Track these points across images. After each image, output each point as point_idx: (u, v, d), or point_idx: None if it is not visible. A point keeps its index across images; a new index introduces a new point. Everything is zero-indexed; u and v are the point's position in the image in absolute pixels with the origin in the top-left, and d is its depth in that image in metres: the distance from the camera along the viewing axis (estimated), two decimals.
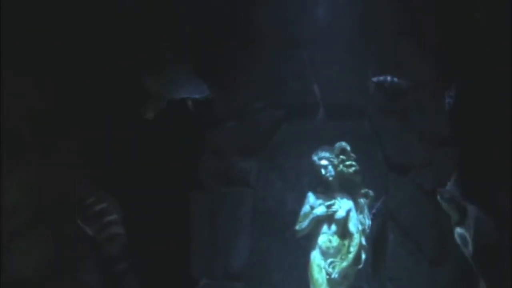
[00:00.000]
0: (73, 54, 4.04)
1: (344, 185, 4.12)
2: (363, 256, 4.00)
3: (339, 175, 4.09)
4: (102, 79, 4.27)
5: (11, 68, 3.81)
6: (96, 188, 3.94)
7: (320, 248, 4.03)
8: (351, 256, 3.96)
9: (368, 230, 4.05)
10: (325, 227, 4.06)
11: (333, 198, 4.09)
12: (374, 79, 4.34)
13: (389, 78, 4.30)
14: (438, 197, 3.81)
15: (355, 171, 4.08)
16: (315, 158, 4.13)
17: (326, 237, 4.04)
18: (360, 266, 4.00)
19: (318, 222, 4.06)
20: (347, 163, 4.08)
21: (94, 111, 4.25)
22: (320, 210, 4.06)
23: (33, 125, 3.97)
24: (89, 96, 4.19)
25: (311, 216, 4.07)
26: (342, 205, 4.07)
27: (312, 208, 4.09)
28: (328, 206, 4.06)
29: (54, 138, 4.06)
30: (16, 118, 3.87)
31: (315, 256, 4.03)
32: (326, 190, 4.12)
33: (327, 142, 4.22)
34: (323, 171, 4.09)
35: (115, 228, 3.83)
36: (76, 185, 4.02)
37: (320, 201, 4.09)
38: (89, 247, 3.85)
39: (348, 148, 4.08)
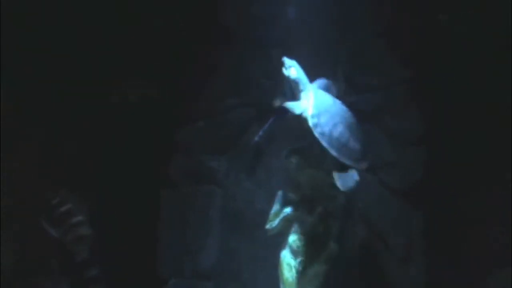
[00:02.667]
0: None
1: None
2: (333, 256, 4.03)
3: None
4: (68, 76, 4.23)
5: None
6: (61, 188, 3.87)
7: (290, 247, 4.05)
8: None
9: (337, 230, 4.08)
10: (295, 227, 4.07)
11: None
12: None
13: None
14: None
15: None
16: (284, 156, 4.13)
17: (296, 236, 4.05)
18: (330, 265, 4.02)
19: (288, 222, 4.08)
20: None
21: (58, 108, 4.19)
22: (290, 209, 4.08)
23: None
24: (55, 92, 4.14)
25: (281, 215, 4.08)
26: None
27: (283, 207, 4.10)
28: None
29: (17, 138, 4.00)
30: None
31: (285, 255, 4.04)
32: (296, 189, 4.14)
33: (297, 142, 4.22)
34: (294, 170, 4.10)
35: (82, 229, 3.74)
36: (40, 185, 3.96)
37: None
38: (55, 250, 3.79)
39: None
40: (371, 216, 4.52)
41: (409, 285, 4.41)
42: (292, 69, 3.86)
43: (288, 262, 4.02)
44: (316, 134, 3.78)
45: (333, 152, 3.78)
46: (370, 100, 4.61)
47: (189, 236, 4.68)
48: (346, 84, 4.66)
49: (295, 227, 4.07)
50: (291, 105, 3.84)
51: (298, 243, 4.04)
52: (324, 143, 3.78)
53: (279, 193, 4.16)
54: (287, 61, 3.87)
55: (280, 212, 4.10)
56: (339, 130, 3.84)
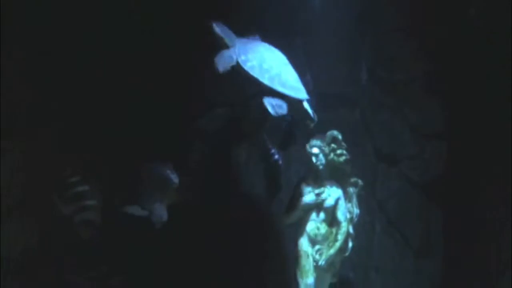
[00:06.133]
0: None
1: (334, 174, 4.14)
2: (350, 244, 4.04)
3: (330, 163, 4.11)
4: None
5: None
6: (82, 169, 3.89)
7: (308, 235, 4.06)
8: (338, 244, 3.99)
9: (356, 219, 4.09)
10: (313, 215, 4.08)
11: (323, 186, 4.11)
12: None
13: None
14: None
15: (345, 160, 4.10)
16: (306, 146, 4.15)
17: (314, 225, 4.07)
18: (347, 254, 4.04)
19: (307, 210, 4.09)
20: (338, 152, 4.10)
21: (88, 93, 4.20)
22: (309, 197, 4.09)
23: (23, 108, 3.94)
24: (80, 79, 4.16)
25: (300, 204, 4.11)
26: (331, 194, 4.09)
27: (302, 195, 4.13)
28: (318, 194, 4.08)
29: (43, 121, 4.03)
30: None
31: (303, 243, 4.06)
32: (316, 178, 4.15)
33: (318, 131, 4.23)
34: (314, 160, 4.12)
35: (91, 214, 3.73)
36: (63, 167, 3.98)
37: (309, 189, 4.12)
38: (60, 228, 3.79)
39: (340, 137, 4.11)
40: (390, 208, 4.52)
41: (425, 277, 4.42)
42: (215, 27, 3.89)
43: (306, 250, 4.03)
44: (247, 68, 3.78)
45: (266, 82, 3.78)
46: (392, 93, 4.61)
47: None
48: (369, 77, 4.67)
49: (313, 216, 4.09)
50: (220, 56, 3.83)
51: (315, 231, 4.06)
52: (255, 75, 3.78)
53: (298, 181, 4.17)
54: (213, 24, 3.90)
55: (298, 201, 4.11)
56: (268, 64, 3.84)
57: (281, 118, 3.93)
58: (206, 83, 4.27)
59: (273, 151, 4.25)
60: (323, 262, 3.96)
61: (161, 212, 3.96)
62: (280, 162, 4.23)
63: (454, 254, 4.45)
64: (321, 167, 4.11)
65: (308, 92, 4.21)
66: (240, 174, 4.71)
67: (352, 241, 4.05)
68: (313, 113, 3.94)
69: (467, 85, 4.39)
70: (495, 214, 4.39)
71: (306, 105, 3.93)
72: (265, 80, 3.79)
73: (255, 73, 3.80)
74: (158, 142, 4.17)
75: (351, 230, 4.05)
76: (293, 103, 3.87)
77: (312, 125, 3.97)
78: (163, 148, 4.23)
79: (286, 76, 3.88)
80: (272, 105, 3.79)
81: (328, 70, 4.63)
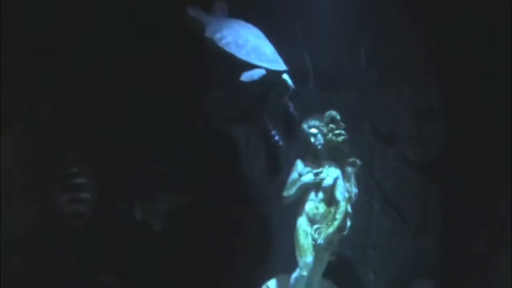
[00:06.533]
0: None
1: (332, 154, 4.17)
2: (348, 223, 4.06)
3: (328, 143, 4.14)
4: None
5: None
6: (82, 162, 3.90)
7: (307, 214, 4.10)
8: (336, 223, 4.02)
9: (354, 198, 4.12)
10: (312, 194, 4.11)
11: (321, 166, 4.14)
12: None
13: None
14: None
15: (343, 140, 4.13)
16: (305, 126, 4.17)
17: (313, 204, 4.10)
18: (345, 233, 4.07)
19: (306, 189, 4.12)
20: (336, 132, 4.12)
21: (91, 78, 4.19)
22: (308, 177, 4.11)
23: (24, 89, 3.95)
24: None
25: (299, 183, 4.12)
26: (330, 173, 4.11)
27: (300, 175, 4.14)
28: (316, 174, 4.11)
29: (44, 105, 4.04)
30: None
31: (302, 222, 4.09)
32: (314, 158, 4.18)
33: (316, 112, 4.26)
34: (312, 139, 4.15)
35: (83, 207, 3.78)
36: (65, 152, 3.98)
37: (308, 168, 4.14)
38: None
39: (338, 117, 4.13)
40: (388, 187, 4.56)
41: (423, 256, 4.46)
42: (190, 10, 3.94)
43: (304, 229, 4.07)
44: (222, 45, 3.82)
45: (243, 57, 3.82)
46: (390, 73, 4.62)
47: None
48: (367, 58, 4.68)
49: (311, 195, 4.12)
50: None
51: (314, 211, 4.09)
52: (231, 51, 3.81)
53: (297, 161, 4.20)
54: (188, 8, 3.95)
55: (297, 181, 4.14)
56: (244, 39, 3.87)
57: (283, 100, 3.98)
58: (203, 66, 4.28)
59: (273, 132, 4.26)
60: (322, 241, 3.99)
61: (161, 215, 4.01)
62: (281, 143, 4.24)
63: (451, 232, 4.49)
64: (319, 147, 4.14)
65: (308, 72, 4.23)
66: (239, 155, 4.75)
67: (351, 220, 4.08)
68: (293, 84, 3.95)
69: (466, 64, 4.40)
70: (493, 193, 4.42)
71: (285, 76, 3.95)
72: (242, 55, 3.82)
73: (231, 49, 3.82)
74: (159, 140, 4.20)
75: (349, 209, 4.07)
76: (273, 76, 3.88)
77: (289, 92, 3.97)
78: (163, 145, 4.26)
79: (262, 49, 3.91)
80: (246, 74, 3.83)
81: (326, 50, 4.64)
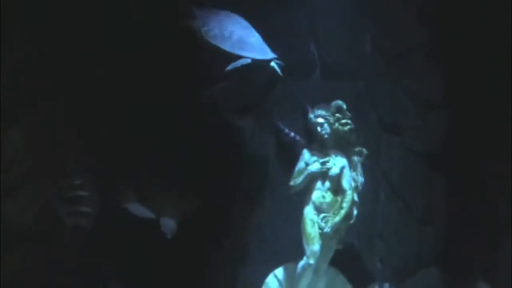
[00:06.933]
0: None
1: (338, 143, 4.20)
2: (355, 212, 4.10)
3: (334, 133, 4.18)
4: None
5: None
6: (85, 173, 3.88)
7: (314, 203, 4.12)
8: (343, 211, 4.06)
9: (360, 187, 4.15)
10: (319, 184, 4.14)
11: (328, 155, 4.17)
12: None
13: None
14: None
15: (350, 130, 4.16)
16: (311, 115, 4.20)
17: (320, 193, 4.13)
18: (352, 221, 4.10)
19: (313, 179, 4.15)
20: (343, 121, 4.16)
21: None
22: (314, 166, 4.14)
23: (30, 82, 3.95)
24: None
25: (305, 173, 4.14)
26: (336, 163, 4.15)
27: (307, 164, 4.17)
28: (323, 163, 4.14)
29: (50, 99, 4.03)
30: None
31: (308, 211, 4.12)
32: (321, 147, 4.21)
33: (322, 102, 4.28)
34: (319, 129, 4.18)
35: (83, 221, 3.76)
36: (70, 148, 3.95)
37: (315, 158, 4.18)
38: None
39: (344, 106, 4.17)
40: (393, 177, 4.58)
41: (427, 244, 4.49)
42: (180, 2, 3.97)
43: (311, 218, 4.09)
44: (209, 39, 3.84)
45: (228, 49, 3.85)
46: (395, 63, 4.64)
47: None
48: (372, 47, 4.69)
49: (318, 184, 4.14)
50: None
51: (321, 200, 4.12)
52: (217, 43, 3.84)
53: (304, 150, 4.22)
54: None
55: (304, 170, 4.16)
56: (229, 30, 3.90)
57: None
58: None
59: (281, 126, 4.30)
60: (329, 230, 4.02)
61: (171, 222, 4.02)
62: (292, 135, 4.27)
63: (456, 222, 4.51)
64: (326, 136, 4.17)
65: (314, 62, 4.23)
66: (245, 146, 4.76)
67: (357, 209, 4.11)
68: (281, 72, 3.97)
69: (472, 54, 4.42)
70: (497, 182, 4.45)
71: (273, 64, 3.95)
72: (227, 47, 3.85)
73: (217, 41, 3.85)
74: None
75: (356, 198, 4.11)
76: (261, 65, 3.88)
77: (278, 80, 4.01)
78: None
79: (248, 39, 3.94)
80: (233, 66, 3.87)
81: (332, 40, 4.66)
